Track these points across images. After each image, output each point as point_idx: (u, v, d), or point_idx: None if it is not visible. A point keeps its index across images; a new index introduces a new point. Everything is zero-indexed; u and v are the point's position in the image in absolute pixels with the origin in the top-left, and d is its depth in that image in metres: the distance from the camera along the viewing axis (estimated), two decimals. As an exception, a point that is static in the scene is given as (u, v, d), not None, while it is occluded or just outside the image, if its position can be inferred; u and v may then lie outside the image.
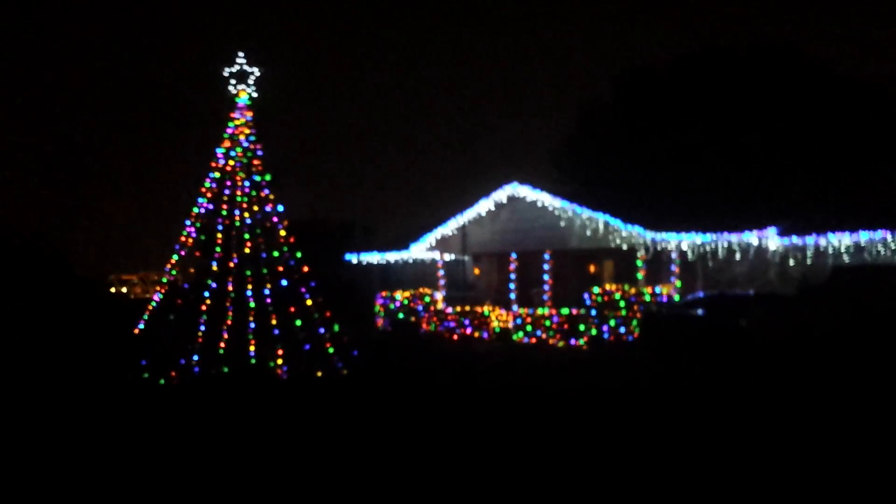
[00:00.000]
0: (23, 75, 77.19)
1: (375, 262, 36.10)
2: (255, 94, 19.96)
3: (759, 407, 12.87)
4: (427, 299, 31.81)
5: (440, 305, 31.66)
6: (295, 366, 18.45)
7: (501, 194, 30.38)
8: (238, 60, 19.85)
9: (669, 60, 36.36)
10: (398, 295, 32.78)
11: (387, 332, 30.40)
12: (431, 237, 32.42)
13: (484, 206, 30.91)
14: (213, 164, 20.02)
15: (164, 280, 20.71)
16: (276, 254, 20.03)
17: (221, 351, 18.34)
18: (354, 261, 36.45)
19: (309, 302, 19.45)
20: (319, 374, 18.34)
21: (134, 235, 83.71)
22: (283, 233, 20.17)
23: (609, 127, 35.59)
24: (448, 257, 32.55)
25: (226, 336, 18.73)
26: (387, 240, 38.50)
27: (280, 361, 18.24)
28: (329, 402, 15.01)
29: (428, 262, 34.01)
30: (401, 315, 32.09)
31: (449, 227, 31.56)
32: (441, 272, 32.93)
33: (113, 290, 50.44)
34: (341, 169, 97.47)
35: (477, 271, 35.05)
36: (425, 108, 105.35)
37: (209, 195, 20.23)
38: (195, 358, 18.03)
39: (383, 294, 33.66)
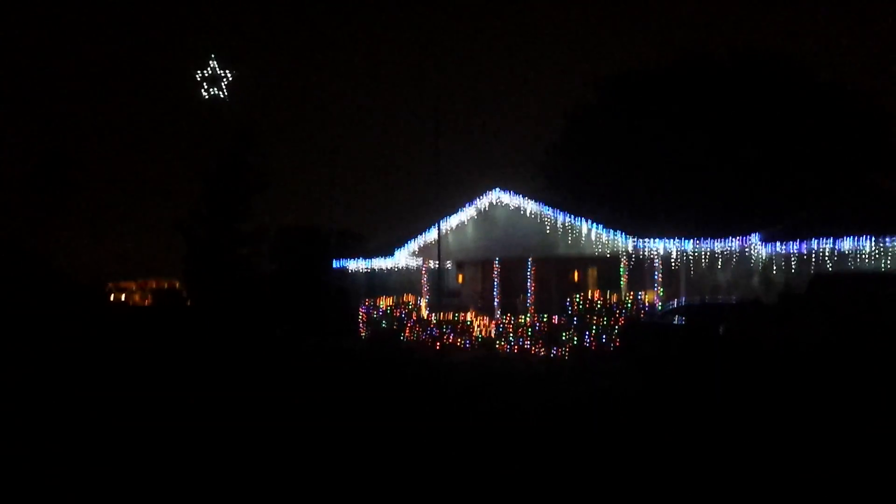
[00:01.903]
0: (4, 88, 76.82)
1: (361, 270, 35.79)
2: (227, 98, 19.68)
3: (720, 420, 12.62)
4: (410, 307, 31.48)
5: (424, 313, 31.34)
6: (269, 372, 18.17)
7: (485, 201, 30.06)
8: (211, 63, 19.58)
9: (654, 66, 36.13)
10: (381, 303, 32.44)
11: (368, 339, 30.05)
12: (415, 244, 32.10)
13: (467, 213, 30.60)
14: (193, 172, 19.78)
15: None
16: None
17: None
18: (345, 268, 36.14)
19: (281, 308, 19.17)
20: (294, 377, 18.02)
21: (131, 243, 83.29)
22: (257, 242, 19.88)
23: (594, 133, 35.31)
24: (432, 264, 32.22)
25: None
26: (374, 247, 38.18)
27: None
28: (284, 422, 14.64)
29: (413, 269, 33.72)
30: (384, 323, 31.75)
31: (432, 235, 31.24)
32: (425, 279, 32.62)
33: (112, 297, 50.32)
34: (332, 178, 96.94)
35: (461, 278, 34.73)
36: (413, 117, 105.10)
37: (196, 201, 19.98)
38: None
39: (366, 302, 33.31)
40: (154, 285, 51.69)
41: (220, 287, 19.65)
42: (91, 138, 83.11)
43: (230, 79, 19.59)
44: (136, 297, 52.01)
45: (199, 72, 19.50)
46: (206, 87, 19.50)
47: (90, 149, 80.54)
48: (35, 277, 35.41)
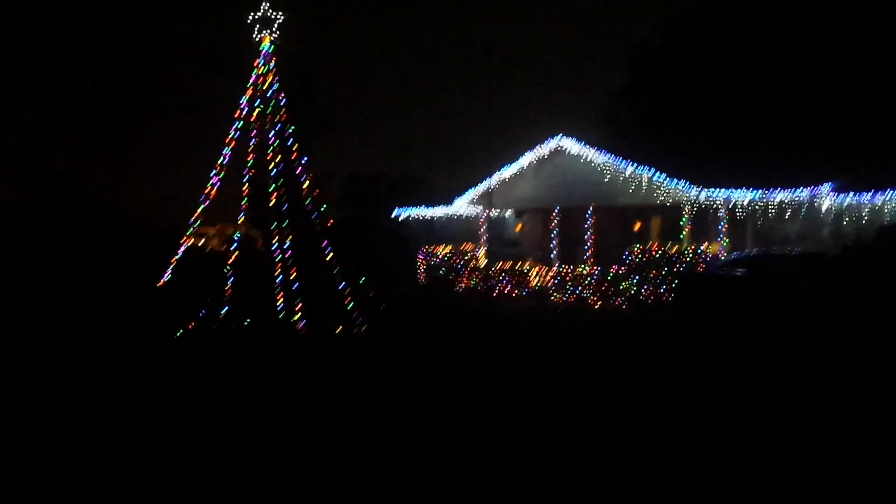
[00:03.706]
0: (57, 34, 77.74)
1: (421, 217, 35.66)
2: (278, 41, 19.39)
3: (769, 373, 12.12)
4: (467, 255, 31.27)
5: (482, 261, 31.07)
6: (314, 321, 18.15)
7: (545, 148, 29.44)
8: (263, 5, 19.27)
9: (723, 7, 34.56)
10: (439, 250, 32.30)
11: (423, 287, 29.99)
12: (474, 192, 31.74)
13: (528, 160, 30.01)
14: (237, 115, 19.65)
15: (189, 232, 20.91)
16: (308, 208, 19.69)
17: (247, 304, 18.24)
18: (404, 215, 36.07)
19: (330, 256, 19.11)
20: (339, 329, 17.99)
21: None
22: (306, 185, 19.76)
23: (660, 78, 34.15)
24: (491, 212, 31.86)
25: (253, 289, 18.57)
26: (435, 195, 37.96)
27: (299, 316, 17.95)
28: (328, 359, 14.65)
29: (472, 217, 33.38)
30: (441, 270, 31.63)
31: (492, 182, 30.82)
32: (483, 227, 32.27)
33: (192, 241, 51.28)
34: (398, 124, 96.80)
35: (519, 227, 34.26)
36: (477, 62, 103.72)
37: (233, 145, 19.91)
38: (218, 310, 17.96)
39: (424, 249, 33.24)
40: (232, 231, 52.37)
41: (283, 234, 19.56)
42: (150, 84, 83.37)
43: (281, 21, 19.23)
44: (214, 242, 52.69)
45: (251, 14, 19.18)
46: (258, 29, 19.20)
47: (154, 96, 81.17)
48: (102, 220, 36.06)
